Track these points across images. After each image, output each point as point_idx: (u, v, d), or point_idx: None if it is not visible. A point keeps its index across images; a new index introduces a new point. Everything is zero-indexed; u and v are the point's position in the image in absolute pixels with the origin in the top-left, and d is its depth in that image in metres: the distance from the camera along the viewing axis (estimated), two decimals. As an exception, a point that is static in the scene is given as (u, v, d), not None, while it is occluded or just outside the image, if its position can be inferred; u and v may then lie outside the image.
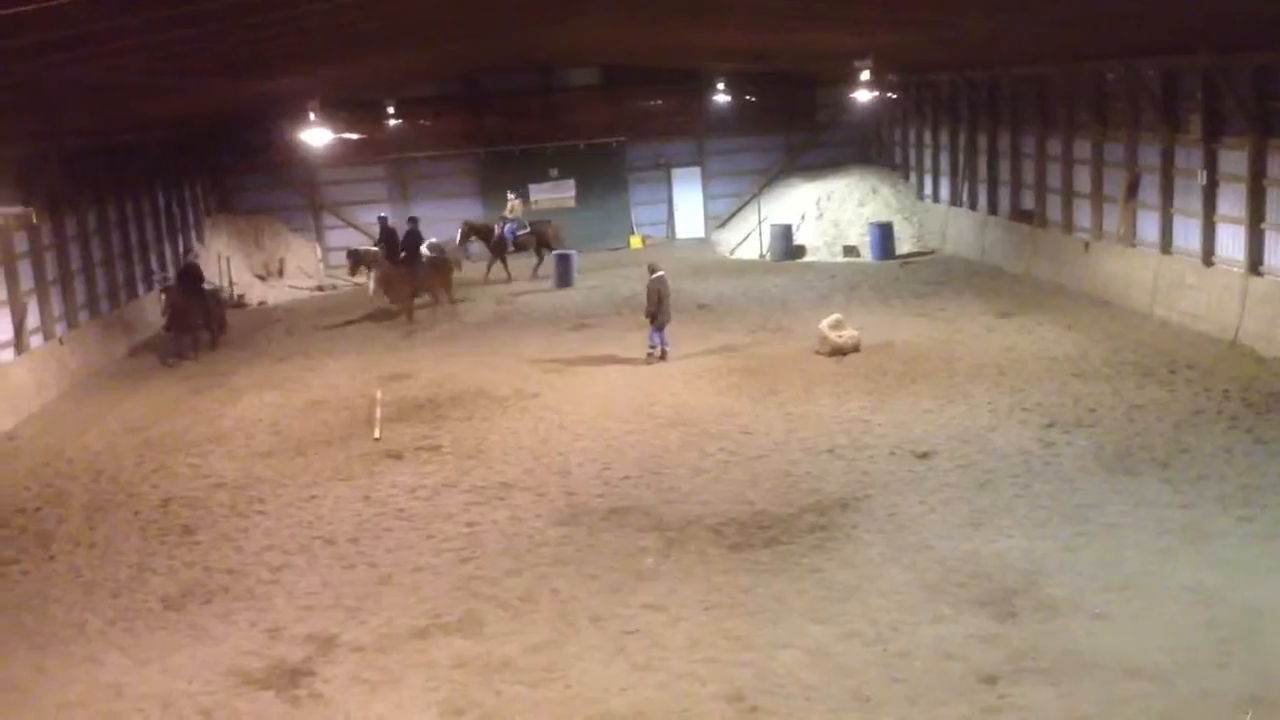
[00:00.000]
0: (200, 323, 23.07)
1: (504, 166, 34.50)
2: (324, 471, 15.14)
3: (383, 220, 29.39)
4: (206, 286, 23.89)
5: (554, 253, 29.57)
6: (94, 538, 13.26)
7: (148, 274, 26.93)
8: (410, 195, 34.58)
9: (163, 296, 22.74)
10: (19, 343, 19.94)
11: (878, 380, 17.88)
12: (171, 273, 26.42)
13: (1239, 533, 11.28)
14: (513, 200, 31.47)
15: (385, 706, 9.07)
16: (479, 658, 9.73)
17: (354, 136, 30.69)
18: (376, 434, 16.52)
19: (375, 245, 28.95)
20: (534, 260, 30.61)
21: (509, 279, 29.83)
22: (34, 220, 19.12)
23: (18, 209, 17.74)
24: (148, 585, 11.77)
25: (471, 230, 30.00)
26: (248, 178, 33.71)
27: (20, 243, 20.37)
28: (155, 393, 20.27)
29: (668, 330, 20.12)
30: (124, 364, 22.94)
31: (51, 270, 21.70)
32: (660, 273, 20.09)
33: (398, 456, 15.55)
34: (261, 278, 31.20)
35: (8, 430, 17.98)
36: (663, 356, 19.96)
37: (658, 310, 19.78)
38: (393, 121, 32.40)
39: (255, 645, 10.25)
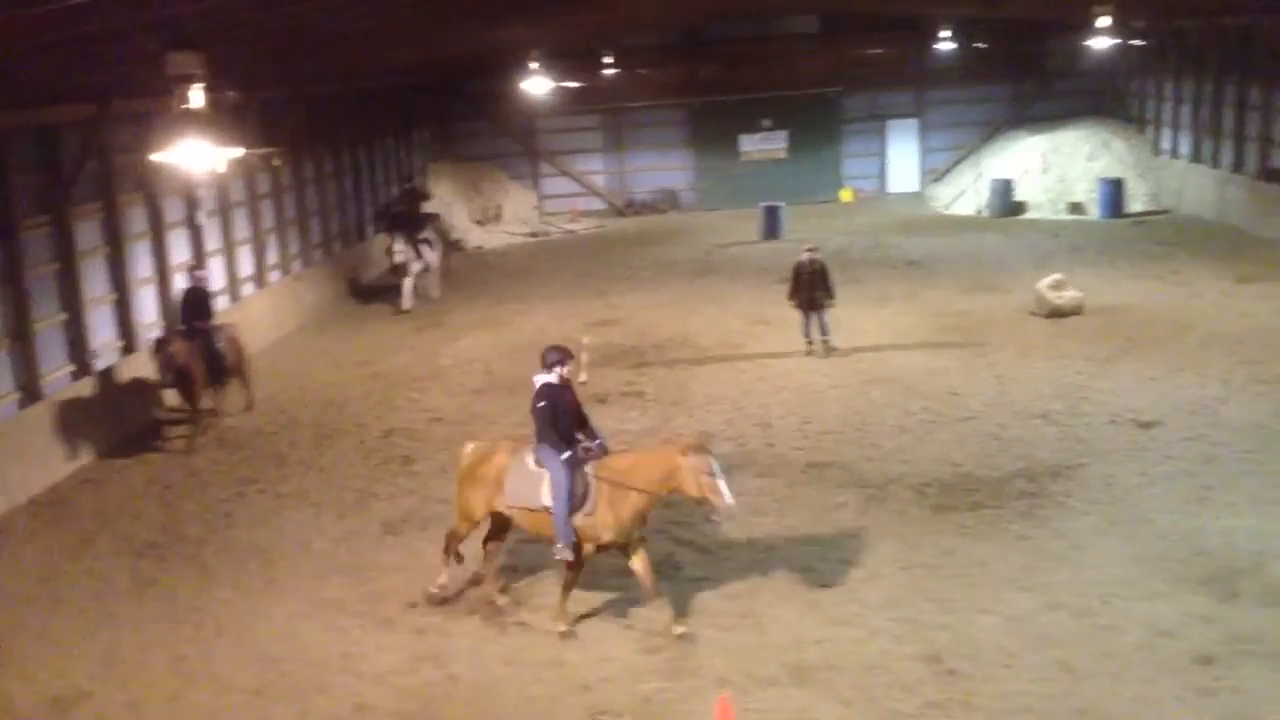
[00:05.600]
0: (205, 379, 15.12)
1: (716, 117, 34.44)
2: (533, 411, 15.64)
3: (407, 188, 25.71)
4: (216, 324, 15.90)
5: (762, 204, 29.25)
6: (323, 462, 14.21)
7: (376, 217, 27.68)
8: (624, 145, 35.03)
9: (160, 349, 14.79)
10: (259, 278, 21.42)
11: (1099, 345, 17.03)
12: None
13: None
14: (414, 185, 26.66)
15: (583, 640, 9.39)
16: (675, 600, 9.91)
17: (572, 85, 31.22)
18: (582, 378, 16.94)
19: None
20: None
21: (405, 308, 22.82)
22: (278, 162, 20.42)
23: (267, 149, 18.94)
24: (370, 510, 12.55)
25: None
26: (469, 126, 34.89)
27: (262, 183, 21.80)
28: (380, 330, 21.43)
29: (828, 317, 17.40)
30: (351, 301, 24.28)
31: (290, 210, 23.16)
32: (812, 253, 17.30)
33: (603, 400, 15.92)
34: (480, 223, 32.34)
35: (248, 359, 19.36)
36: (814, 347, 17.36)
37: (796, 294, 17.28)
38: (609, 71, 32.76)
39: (465, 572, 10.76)
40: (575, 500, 9.21)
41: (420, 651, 9.39)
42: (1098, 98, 33.52)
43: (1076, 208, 29.39)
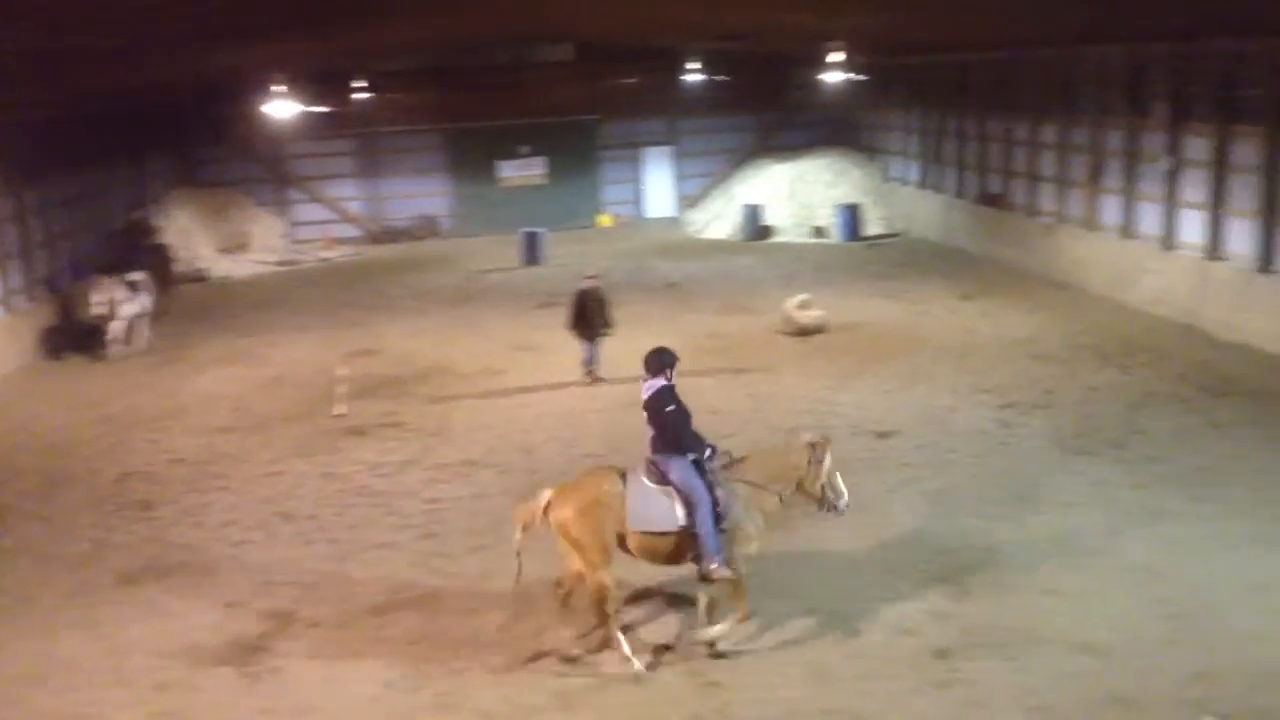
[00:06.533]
0: None
1: (474, 143, 34.33)
2: (285, 448, 15.07)
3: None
4: None
5: (522, 230, 29.31)
6: (50, 512, 13.14)
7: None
8: (379, 170, 34.37)
9: None
10: (-23, 315, 19.68)
11: (842, 360, 17.98)
12: None
13: (1190, 513, 11.47)
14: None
15: (342, 682, 9.07)
16: (438, 634, 9.75)
17: (320, 110, 30.44)
18: (339, 410, 16.46)
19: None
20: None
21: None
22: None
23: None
24: (104, 560, 11.69)
25: None
26: (214, 150, 33.29)
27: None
28: (114, 368, 20.05)
29: (601, 346, 17.32)
30: (84, 339, 22.61)
31: (11, 241, 21.40)
32: (593, 280, 17.34)
33: (360, 433, 15.51)
34: (226, 252, 30.91)
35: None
36: (590, 374, 17.21)
37: (577, 322, 17.02)
38: (360, 96, 32.10)
39: (212, 621, 10.22)
40: (720, 511, 8.73)
41: (162, 708, 8.80)
42: (835, 128, 35.47)
43: (819, 231, 31.00)
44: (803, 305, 20.03)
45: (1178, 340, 17.99)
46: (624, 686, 8.79)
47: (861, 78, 28.98)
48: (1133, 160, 21.19)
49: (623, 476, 8.91)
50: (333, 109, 31.58)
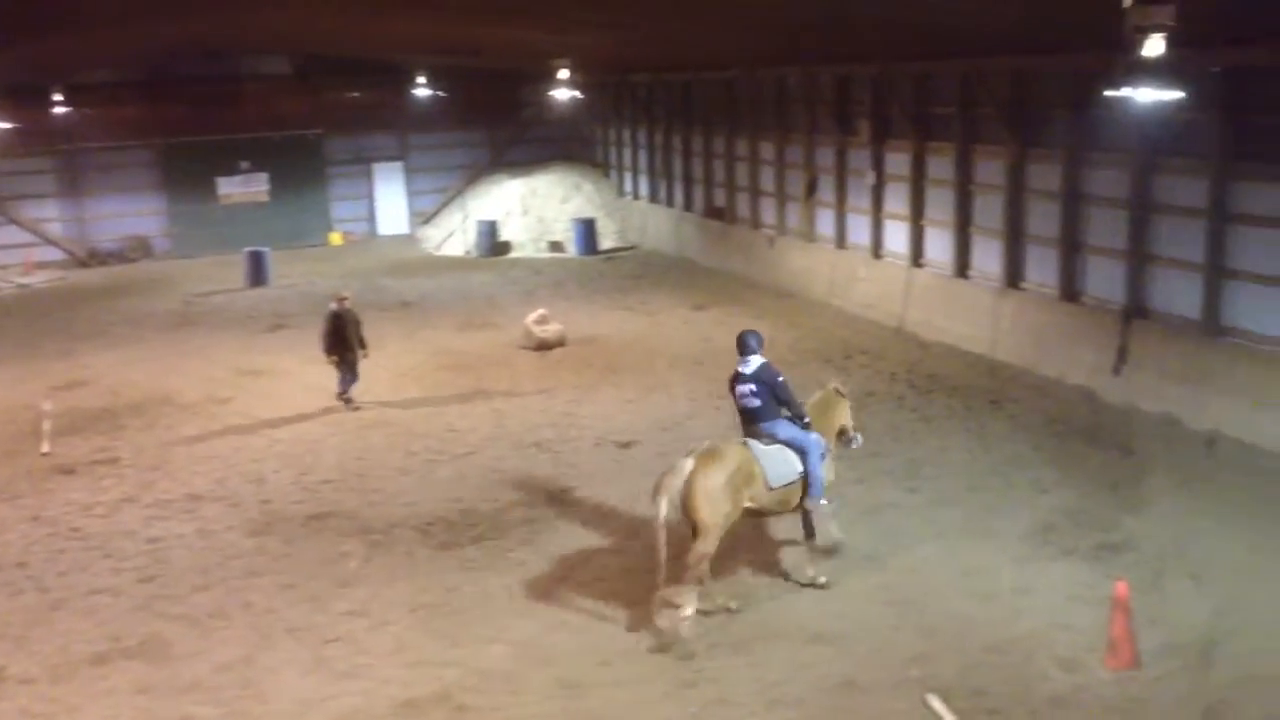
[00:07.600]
0: None
1: (188, 158, 32.53)
2: (-17, 492, 13.74)
3: None
4: None
5: (246, 250, 28.09)
6: None
7: None
8: (84, 189, 31.97)
9: None
10: None
11: (582, 373, 18.19)
12: None
13: (906, 503, 12.33)
14: None
15: (57, 742, 8.35)
16: (165, 681, 9.14)
17: (15, 125, 28.10)
18: (45, 448, 15.17)
19: None
20: None
21: None
22: None
23: None
24: None
25: None
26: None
27: None
28: None
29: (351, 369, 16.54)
30: None
31: None
32: (342, 303, 16.48)
33: (70, 471, 14.35)
34: (-96, 280, 27.94)
35: None
36: (347, 401, 16.54)
37: (334, 346, 16.30)
38: (61, 110, 29.78)
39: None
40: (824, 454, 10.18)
41: None
42: (568, 144, 35.97)
43: (556, 246, 31.30)
44: (541, 320, 20.15)
45: (889, 342, 19.32)
46: (370, 719, 8.51)
47: (591, 94, 29.54)
48: (843, 175, 22.61)
49: (744, 445, 9.92)
50: (30, 124, 29.20)
